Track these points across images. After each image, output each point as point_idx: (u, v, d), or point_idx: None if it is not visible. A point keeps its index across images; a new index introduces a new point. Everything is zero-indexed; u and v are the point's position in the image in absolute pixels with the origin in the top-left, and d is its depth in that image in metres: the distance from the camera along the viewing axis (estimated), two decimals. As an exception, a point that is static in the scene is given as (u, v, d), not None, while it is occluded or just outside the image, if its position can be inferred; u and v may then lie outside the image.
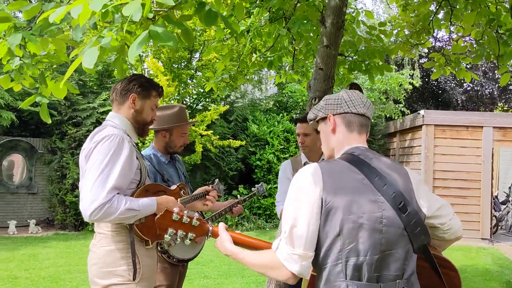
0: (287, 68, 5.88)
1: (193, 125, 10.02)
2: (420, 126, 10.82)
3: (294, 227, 1.51)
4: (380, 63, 4.56)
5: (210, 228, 1.74)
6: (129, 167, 2.12)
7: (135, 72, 10.46)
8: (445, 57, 5.04)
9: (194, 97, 12.05)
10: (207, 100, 12.13)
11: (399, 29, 5.15)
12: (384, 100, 13.33)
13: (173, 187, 2.47)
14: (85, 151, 2.15)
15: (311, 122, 1.80)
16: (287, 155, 11.45)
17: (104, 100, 10.25)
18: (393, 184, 1.56)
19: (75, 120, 10.16)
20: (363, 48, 4.55)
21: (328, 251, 1.50)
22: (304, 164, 3.18)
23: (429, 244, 1.64)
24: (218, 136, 10.67)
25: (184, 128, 3.08)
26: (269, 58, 5.17)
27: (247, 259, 1.62)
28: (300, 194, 1.53)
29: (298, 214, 1.51)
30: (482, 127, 10.45)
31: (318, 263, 1.54)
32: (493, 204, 11.05)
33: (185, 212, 1.69)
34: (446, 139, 10.63)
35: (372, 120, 12.81)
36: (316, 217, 1.50)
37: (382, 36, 4.76)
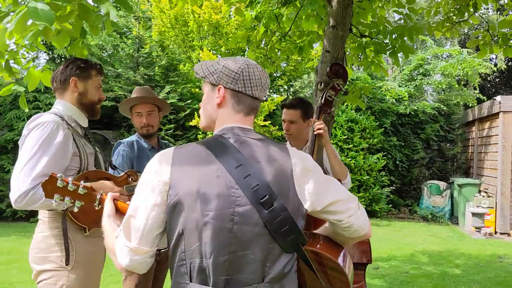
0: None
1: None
2: (498, 114, 9.92)
3: (133, 217, 1.38)
4: (410, 44, 4.21)
5: (98, 196, 1.69)
6: (63, 154, 2.12)
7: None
8: (490, 34, 4.54)
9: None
10: (271, 90, 12.10)
11: (436, 8, 4.72)
12: (461, 86, 12.32)
13: (120, 174, 2.40)
14: (21, 139, 2.17)
15: (196, 75, 1.56)
16: (350, 145, 10.99)
17: (168, 93, 10.52)
18: (260, 175, 1.37)
19: (140, 113, 10.57)
20: (389, 29, 4.22)
21: (174, 251, 1.37)
22: None
23: (304, 244, 1.42)
24: (277, 127, 10.58)
25: (137, 107, 3.05)
26: (298, 44, 5.01)
27: (105, 240, 1.50)
28: (146, 182, 1.39)
29: (139, 204, 1.38)
30: None
31: (169, 261, 1.42)
32: None
33: (70, 179, 1.66)
34: (526, 127, 9.64)
35: (447, 109, 11.94)
36: (158, 211, 1.36)
37: (414, 15, 4.38)
